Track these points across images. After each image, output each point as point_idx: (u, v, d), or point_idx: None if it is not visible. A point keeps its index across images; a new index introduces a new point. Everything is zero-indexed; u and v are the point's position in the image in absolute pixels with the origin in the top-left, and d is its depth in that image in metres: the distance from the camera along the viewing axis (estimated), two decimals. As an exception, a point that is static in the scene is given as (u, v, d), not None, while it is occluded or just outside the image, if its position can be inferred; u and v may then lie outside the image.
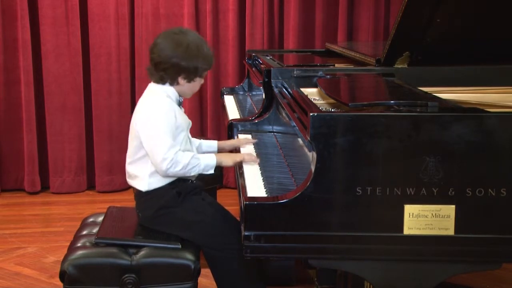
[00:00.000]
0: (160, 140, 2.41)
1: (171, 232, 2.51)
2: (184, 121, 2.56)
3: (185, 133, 2.57)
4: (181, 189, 2.53)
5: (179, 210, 2.52)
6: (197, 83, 2.57)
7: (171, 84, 2.52)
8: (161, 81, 2.53)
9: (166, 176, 2.49)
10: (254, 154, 2.61)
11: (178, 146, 2.46)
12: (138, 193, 2.57)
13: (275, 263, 3.17)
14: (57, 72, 4.72)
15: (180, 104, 2.58)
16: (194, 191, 2.56)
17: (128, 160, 2.58)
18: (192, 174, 2.51)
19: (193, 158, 2.46)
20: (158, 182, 2.51)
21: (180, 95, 2.57)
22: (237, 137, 2.91)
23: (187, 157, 2.45)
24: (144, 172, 2.51)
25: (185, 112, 2.68)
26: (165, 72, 2.50)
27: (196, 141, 2.75)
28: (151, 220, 2.55)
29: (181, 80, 2.51)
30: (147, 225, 2.57)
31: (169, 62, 2.47)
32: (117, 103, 4.80)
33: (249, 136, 2.87)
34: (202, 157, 2.51)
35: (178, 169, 2.43)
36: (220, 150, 2.77)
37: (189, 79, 2.52)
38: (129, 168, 2.58)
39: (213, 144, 2.79)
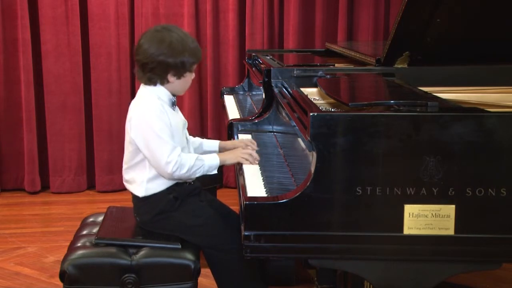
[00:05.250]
0: (160, 144, 2.38)
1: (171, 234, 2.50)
2: (179, 121, 2.52)
3: (182, 133, 2.53)
4: (178, 193, 2.50)
5: (177, 215, 2.49)
6: (188, 78, 2.50)
7: (161, 83, 2.47)
8: (150, 82, 2.46)
9: (171, 179, 2.46)
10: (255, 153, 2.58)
11: (179, 147, 2.43)
12: (135, 198, 2.55)
13: (275, 263, 3.16)
14: (57, 72, 4.72)
15: (173, 104, 2.52)
16: (192, 192, 2.55)
17: (124, 166, 2.55)
18: (197, 176, 2.48)
19: (197, 160, 2.43)
20: (155, 187, 2.48)
21: (172, 94, 2.51)
22: (237, 137, 2.89)
23: (192, 159, 2.42)
24: (142, 178, 2.48)
25: (182, 111, 2.65)
26: (153, 72, 2.44)
27: (197, 141, 2.72)
28: (149, 225, 2.53)
29: (170, 77, 2.45)
30: (145, 228, 2.55)
31: (155, 61, 2.41)
32: (117, 103, 4.80)
33: (249, 136, 2.86)
34: (206, 158, 2.47)
35: (183, 172, 2.41)
36: (221, 151, 2.71)
37: (179, 75, 2.46)
38: (126, 173, 2.55)
39: (214, 144, 2.75)
